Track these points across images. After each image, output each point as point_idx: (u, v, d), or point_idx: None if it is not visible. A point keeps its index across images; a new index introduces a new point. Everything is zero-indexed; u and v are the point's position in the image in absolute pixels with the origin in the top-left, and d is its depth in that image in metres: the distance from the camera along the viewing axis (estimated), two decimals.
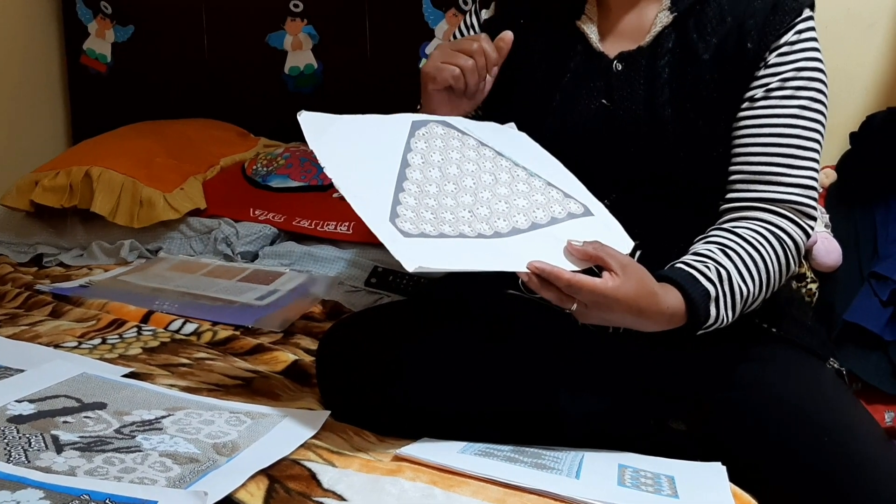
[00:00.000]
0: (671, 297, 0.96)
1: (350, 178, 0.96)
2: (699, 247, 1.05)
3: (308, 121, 1.01)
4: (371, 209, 0.93)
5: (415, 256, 0.88)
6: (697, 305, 0.97)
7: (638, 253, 1.05)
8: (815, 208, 1.08)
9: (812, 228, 1.09)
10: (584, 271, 0.93)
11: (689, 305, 0.97)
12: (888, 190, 1.68)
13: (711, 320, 0.99)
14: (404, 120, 1.05)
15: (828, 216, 1.68)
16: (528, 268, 0.90)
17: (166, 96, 2.44)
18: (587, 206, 1.02)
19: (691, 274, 0.99)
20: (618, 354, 1.14)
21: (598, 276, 0.92)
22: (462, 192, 0.99)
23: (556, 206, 1.00)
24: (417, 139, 1.03)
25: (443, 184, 0.99)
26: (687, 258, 1.03)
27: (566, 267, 0.92)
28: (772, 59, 1.07)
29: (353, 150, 1.00)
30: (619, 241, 0.99)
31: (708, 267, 1.00)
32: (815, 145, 1.07)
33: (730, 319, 1.01)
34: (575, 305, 0.92)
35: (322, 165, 0.95)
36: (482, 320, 1.14)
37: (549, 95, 1.15)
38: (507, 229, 0.97)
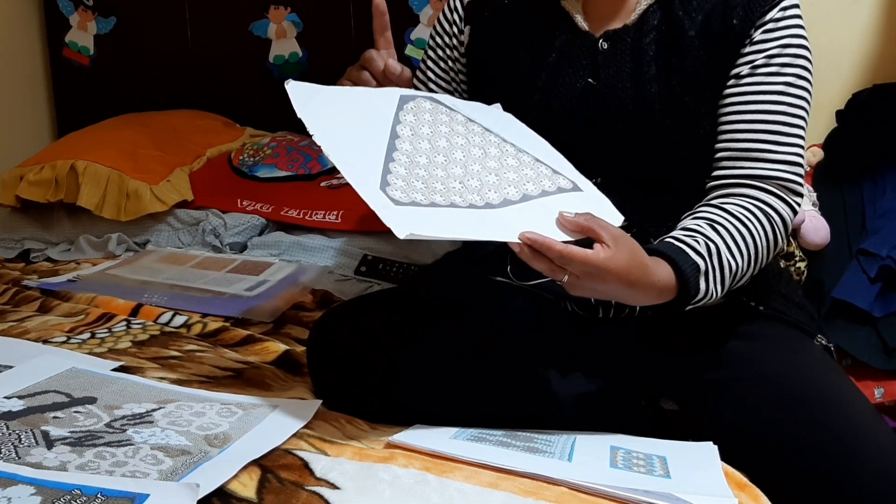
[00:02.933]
0: (662, 270, 0.96)
1: (339, 146, 0.95)
2: (688, 222, 1.05)
3: (295, 90, 1.00)
4: (361, 176, 0.92)
5: (405, 224, 0.87)
6: (688, 279, 0.97)
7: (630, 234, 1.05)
8: (801, 184, 1.08)
9: (799, 205, 1.09)
10: (576, 243, 0.92)
11: (679, 279, 0.97)
12: (875, 166, 1.68)
13: (701, 294, 0.99)
14: (392, 93, 1.05)
15: (815, 194, 1.68)
16: (519, 238, 0.89)
17: (150, 88, 2.42)
18: (576, 182, 1.02)
19: (681, 248, 0.99)
20: (607, 338, 1.14)
21: (590, 247, 0.92)
22: (452, 164, 0.98)
23: (546, 180, 1.00)
24: (406, 112, 1.02)
25: (433, 155, 0.98)
26: (676, 233, 1.03)
27: (557, 238, 0.91)
28: (757, 35, 1.07)
29: (341, 119, 0.99)
30: (609, 215, 0.99)
31: (697, 241, 1.00)
32: (801, 122, 1.07)
33: (718, 294, 1.01)
34: (566, 277, 0.91)
35: (310, 132, 0.94)
36: (473, 317, 1.14)
37: (534, 75, 1.14)
38: (498, 200, 0.96)
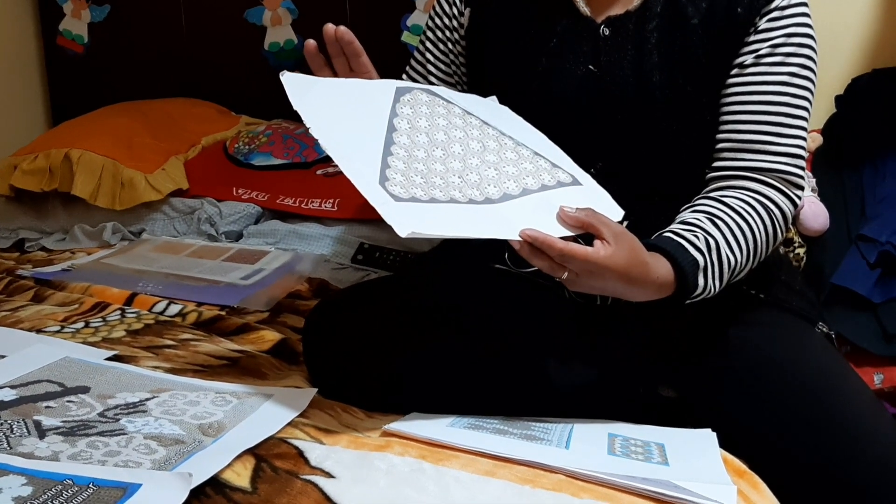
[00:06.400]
0: (661, 267, 0.96)
1: (336, 139, 0.93)
2: (687, 215, 1.04)
3: (291, 81, 0.98)
4: (360, 171, 0.91)
5: (407, 222, 0.86)
6: (687, 275, 0.96)
7: (625, 223, 1.04)
8: (802, 177, 1.07)
9: (800, 198, 1.08)
10: (575, 238, 0.91)
11: (678, 275, 0.96)
12: (874, 152, 1.67)
13: (699, 290, 0.98)
14: (388, 85, 1.04)
15: (815, 180, 1.67)
16: (520, 236, 0.89)
17: (145, 76, 2.41)
18: (575, 176, 1.01)
19: (680, 243, 0.98)
20: (606, 325, 1.13)
21: (590, 243, 0.91)
22: (450, 158, 0.97)
23: (545, 174, 0.99)
24: (403, 105, 1.01)
25: (431, 149, 0.97)
26: (675, 227, 1.02)
27: (557, 233, 0.90)
28: (762, 24, 1.06)
29: (338, 112, 0.97)
30: (608, 209, 0.98)
31: (697, 236, 0.99)
32: (804, 113, 1.06)
33: (717, 289, 1.01)
34: (566, 274, 0.91)
35: (307, 126, 0.93)
36: (470, 305, 1.12)
37: (534, 60, 1.13)
38: (497, 195, 0.95)
